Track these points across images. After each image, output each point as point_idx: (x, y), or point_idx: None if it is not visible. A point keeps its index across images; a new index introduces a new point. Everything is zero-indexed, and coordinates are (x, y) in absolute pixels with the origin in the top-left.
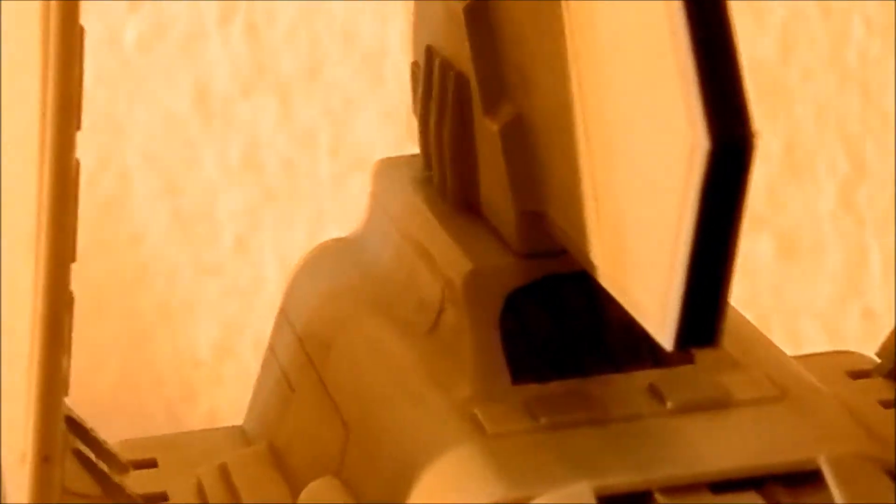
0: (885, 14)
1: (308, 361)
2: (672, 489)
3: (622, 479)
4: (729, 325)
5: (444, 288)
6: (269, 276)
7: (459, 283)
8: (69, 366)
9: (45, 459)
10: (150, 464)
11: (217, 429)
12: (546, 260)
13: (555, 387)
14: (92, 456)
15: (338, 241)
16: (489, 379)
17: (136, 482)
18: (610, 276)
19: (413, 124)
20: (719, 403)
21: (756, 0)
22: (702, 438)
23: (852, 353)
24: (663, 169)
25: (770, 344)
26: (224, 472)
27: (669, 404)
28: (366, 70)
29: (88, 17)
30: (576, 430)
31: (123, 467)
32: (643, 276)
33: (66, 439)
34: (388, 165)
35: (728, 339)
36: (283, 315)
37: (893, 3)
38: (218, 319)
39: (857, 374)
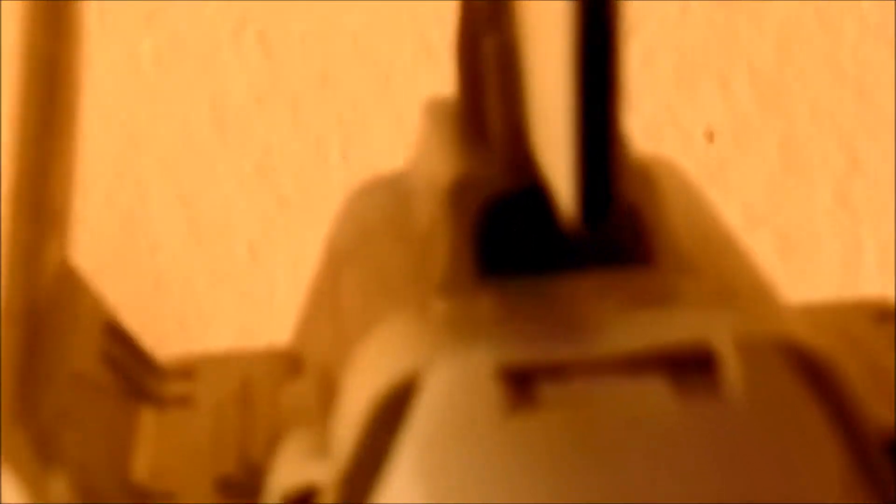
0: (878, 13)
1: (330, 275)
2: (581, 366)
3: (525, 355)
4: (710, 237)
5: (436, 195)
6: (282, 282)
7: (444, 188)
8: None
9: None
10: (189, 374)
11: (261, 347)
12: (530, 170)
13: (512, 283)
14: (122, 358)
15: (382, 177)
16: (455, 276)
17: (169, 388)
18: (540, 166)
19: None
20: (661, 300)
21: (753, 0)
22: (627, 327)
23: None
24: (553, 40)
25: (751, 265)
26: (247, 383)
27: (613, 298)
28: (376, 78)
29: (105, 32)
30: (511, 319)
31: (160, 374)
32: (551, 158)
33: (96, 341)
34: (435, 104)
35: (703, 251)
36: (326, 243)
37: (887, 1)
38: (233, 327)
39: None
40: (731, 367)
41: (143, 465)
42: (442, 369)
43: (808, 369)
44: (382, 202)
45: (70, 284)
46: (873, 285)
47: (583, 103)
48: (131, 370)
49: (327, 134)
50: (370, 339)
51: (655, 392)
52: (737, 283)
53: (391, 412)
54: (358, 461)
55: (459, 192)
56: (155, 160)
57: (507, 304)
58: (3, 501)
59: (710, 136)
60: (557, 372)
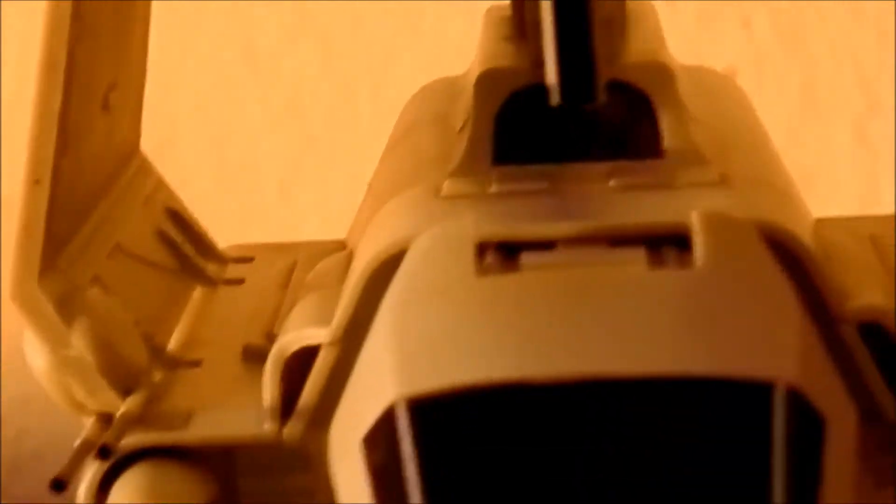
0: None
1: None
2: (564, 239)
3: (512, 229)
4: (733, 138)
5: (470, 91)
6: (311, 220)
7: (474, 81)
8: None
9: (35, 182)
10: (247, 260)
11: (322, 240)
12: None
13: (526, 168)
14: (179, 239)
15: (445, 79)
16: (471, 158)
17: (224, 273)
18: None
19: None
20: (657, 186)
21: None
22: (617, 204)
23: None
24: None
25: (760, 145)
26: (291, 268)
27: (612, 183)
28: (406, 18)
29: None
30: (511, 198)
31: (219, 259)
32: (546, 48)
33: (154, 221)
34: (494, 10)
35: (719, 148)
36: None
37: None
38: None
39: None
40: (703, 243)
41: (181, 336)
42: (425, 237)
43: (780, 250)
44: (436, 98)
45: (140, 169)
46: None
47: None
48: (189, 252)
49: (356, 74)
50: (382, 211)
51: (631, 262)
52: (738, 177)
53: (381, 277)
54: (350, 322)
55: (485, 83)
56: (186, 100)
57: (509, 185)
58: (27, 352)
59: (733, 74)
60: (541, 245)
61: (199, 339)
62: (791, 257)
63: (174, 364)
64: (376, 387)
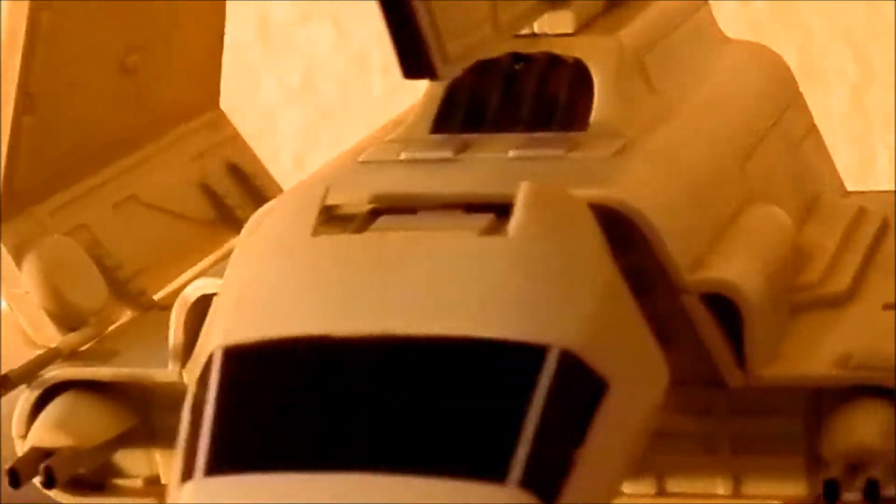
0: None
1: None
2: (419, 204)
3: (354, 197)
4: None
5: None
6: None
7: None
8: None
9: None
10: None
11: None
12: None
13: (452, 137)
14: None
15: None
16: (413, 126)
17: None
18: None
19: None
20: (550, 158)
21: None
22: (496, 176)
23: None
24: None
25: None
26: None
27: (511, 153)
28: None
29: None
30: (413, 166)
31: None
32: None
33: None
34: None
35: (652, 124)
36: None
37: None
38: None
39: None
40: (520, 213)
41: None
42: (286, 196)
43: (623, 226)
44: None
45: (206, 125)
46: (887, 186)
47: None
48: (232, 203)
49: (368, 49)
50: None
51: (463, 228)
52: (642, 151)
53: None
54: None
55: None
56: None
57: (417, 153)
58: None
59: None
60: (397, 209)
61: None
62: (637, 234)
63: (146, 307)
64: (210, 337)
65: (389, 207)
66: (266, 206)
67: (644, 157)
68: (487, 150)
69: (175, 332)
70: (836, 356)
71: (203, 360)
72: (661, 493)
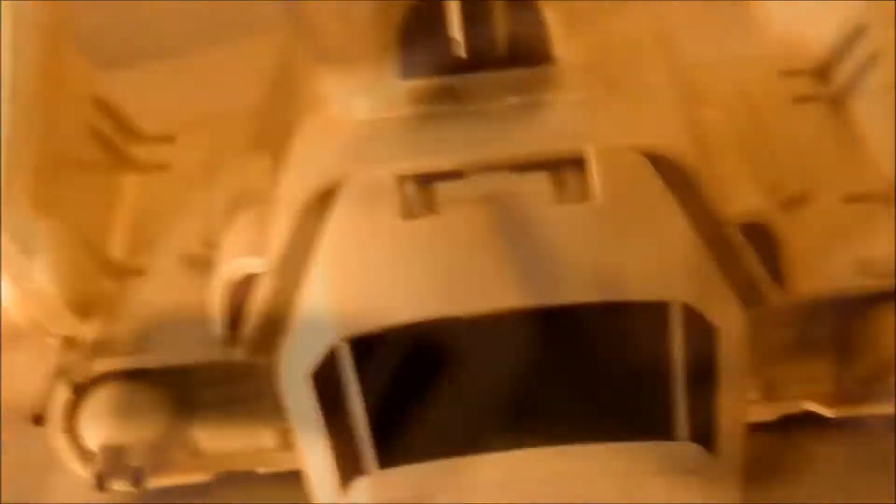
0: None
1: (290, 55)
2: (475, 170)
3: (427, 163)
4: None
5: None
6: None
7: None
8: None
9: None
10: (170, 139)
11: (236, 111)
12: None
13: (433, 82)
14: (108, 130)
15: None
16: (382, 71)
17: (151, 154)
18: None
19: None
20: (552, 101)
21: None
22: (517, 127)
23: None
24: None
25: (653, 56)
26: (218, 152)
27: (512, 99)
28: None
29: None
30: (424, 120)
31: (144, 140)
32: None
33: (84, 116)
34: None
35: (604, 47)
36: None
37: None
38: None
39: (790, 73)
40: (599, 175)
41: (121, 239)
42: (352, 184)
43: (667, 168)
44: None
45: (68, 63)
46: None
47: None
48: (118, 141)
49: None
50: (306, 133)
51: (536, 192)
52: (624, 84)
53: (311, 211)
54: (285, 253)
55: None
56: None
57: (420, 107)
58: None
59: None
60: (454, 176)
61: (138, 241)
62: (678, 173)
63: (121, 274)
64: (319, 330)
65: (435, 174)
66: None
67: (636, 93)
68: (482, 96)
69: (220, 316)
70: (858, 262)
71: (315, 355)
72: None
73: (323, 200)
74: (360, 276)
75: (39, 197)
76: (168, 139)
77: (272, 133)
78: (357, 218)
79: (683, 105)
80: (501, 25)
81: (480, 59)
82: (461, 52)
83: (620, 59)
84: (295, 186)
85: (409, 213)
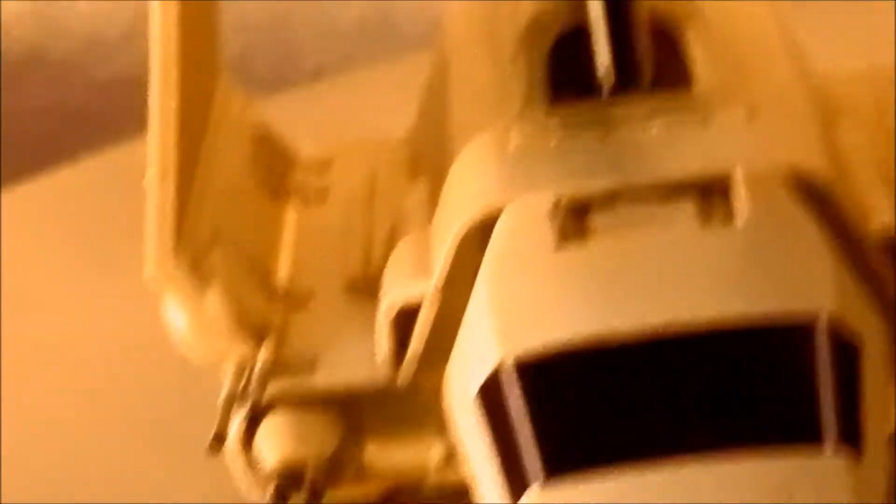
0: None
1: (440, 80)
2: (626, 194)
3: (580, 188)
4: (745, 53)
5: (518, 26)
6: None
7: (525, 21)
8: None
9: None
10: (327, 165)
11: (388, 138)
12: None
13: (578, 110)
14: (269, 161)
15: None
16: (531, 103)
17: (309, 180)
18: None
19: None
20: (694, 125)
21: None
22: (665, 152)
23: None
24: None
25: (785, 73)
26: (373, 178)
27: (655, 126)
28: None
29: None
30: (573, 148)
31: (302, 168)
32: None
33: (246, 148)
34: None
35: (737, 66)
36: (439, 43)
37: None
38: None
39: None
40: (745, 199)
41: (285, 265)
42: (508, 212)
43: (809, 192)
44: (480, 18)
45: (225, 93)
46: None
47: None
48: (280, 171)
49: None
50: (462, 162)
51: (684, 218)
52: (763, 107)
53: (471, 240)
54: (447, 279)
55: (537, 26)
56: None
57: (568, 136)
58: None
59: None
60: (607, 201)
61: (302, 270)
62: (820, 193)
63: (289, 301)
64: (482, 353)
65: (588, 201)
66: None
67: (776, 116)
68: (626, 124)
69: (385, 342)
70: None
71: (480, 377)
72: None
73: (483, 226)
74: (522, 298)
75: (208, 226)
76: (326, 164)
77: (425, 158)
78: (516, 243)
79: (820, 120)
80: (647, 50)
81: (626, 85)
82: (611, 79)
83: (755, 75)
84: (455, 213)
85: (564, 238)
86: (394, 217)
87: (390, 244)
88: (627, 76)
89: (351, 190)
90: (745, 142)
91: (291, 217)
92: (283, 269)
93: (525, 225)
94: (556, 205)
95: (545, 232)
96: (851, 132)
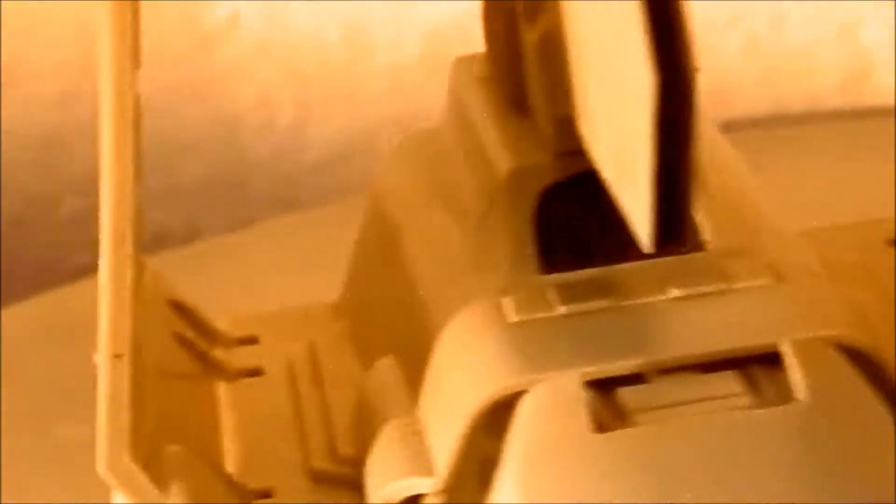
0: None
1: (388, 243)
2: (660, 370)
3: (606, 367)
4: (744, 213)
5: (490, 182)
6: None
7: (501, 178)
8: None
9: (116, 356)
10: (253, 340)
11: (316, 304)
12: (580, 158)
13: (579, 276)
14: (192, 336)
15: (422, 133)
16: (520, 269)
17: (236, 357)
18: (610, 182)
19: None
20: (716, 291)
21: None
22: (693, 325)
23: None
24: (633, 96)
25: (782, 230)
26: (312, 351)
27: (672, 292)
28: None
29: None
30: (586, 319)
31: (227, 342)
32: (627, 187)
33: (166, 323)
34: (465, 63)
35: (741, 227)
36: (373, 201)
37: None
38: None
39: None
40: (800, 375)
41: (233, 454)
42: (534, 391)
43: (861, 363)
44: (424, 164)
45: (137, 267)
46: None
47: (662, 156)
48: (204, 347)
49: None
50: (452, 338)
51: (730, 395)
52: (779, 262)
53: (480, 426)
54: (460, 474)
55: (517, 184)
56: None
57: (575, 305)
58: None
59: None
60: (638, 379)
61: (256, 460)
62: (870, 367)
63: (248, 496)
64: None
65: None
66: None
67: (797, 273)
68: (638, 290)
69: None
70: None
71: None
72: None
73: (496, 411)
74: (561, 487)
75: (153, 414)
76: (251, 340)
77: (376, 329)
78: (545, 430)
79: (832, 283)
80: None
81: (628, 250)
82: (650, 245)
83: (757, 231)
84: (458, 397)
85: (599, 424)
86: (353, 398)
87: (358, 431)
88: (673, 234)
89: (288, 366)
90: (782, 309)
91: (224, 396)
92: (231, 458)
93: (552, 407)
94: (586, 385)
95: (577, 416)
96: (855, 289)
